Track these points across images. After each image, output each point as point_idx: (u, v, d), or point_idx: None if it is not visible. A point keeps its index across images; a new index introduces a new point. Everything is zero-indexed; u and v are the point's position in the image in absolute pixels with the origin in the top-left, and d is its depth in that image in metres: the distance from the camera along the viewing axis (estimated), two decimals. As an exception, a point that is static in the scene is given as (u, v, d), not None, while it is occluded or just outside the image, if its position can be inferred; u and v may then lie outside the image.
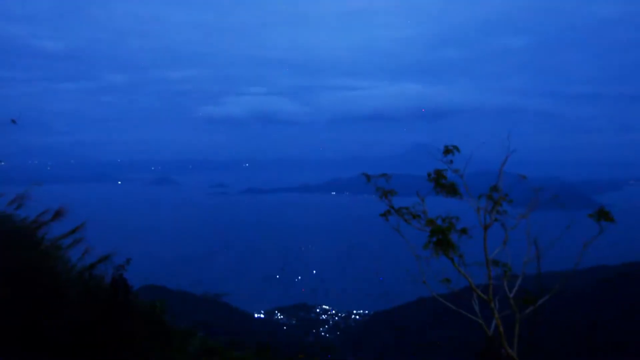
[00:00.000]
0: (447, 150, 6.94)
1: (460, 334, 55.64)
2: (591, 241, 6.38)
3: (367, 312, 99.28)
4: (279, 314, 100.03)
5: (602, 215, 6.31)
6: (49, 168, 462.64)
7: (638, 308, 59.96)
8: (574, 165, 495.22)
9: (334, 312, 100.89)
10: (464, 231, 6.53)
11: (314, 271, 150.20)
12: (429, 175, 6.89)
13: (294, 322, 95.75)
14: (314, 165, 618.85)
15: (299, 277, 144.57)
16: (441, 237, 6.30)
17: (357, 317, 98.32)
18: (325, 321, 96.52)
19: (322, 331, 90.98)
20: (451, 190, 6.81)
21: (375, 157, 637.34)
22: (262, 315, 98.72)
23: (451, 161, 6.94)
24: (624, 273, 73.85)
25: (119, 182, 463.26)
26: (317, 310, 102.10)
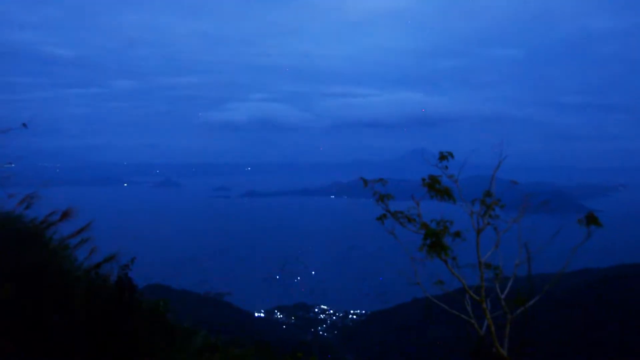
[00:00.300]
0: (442, 157, 6.95)
1: (453, 334, 55.61)
2: (580, 245, 6.39)
3: (364, 312, 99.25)
4: (278, 313, 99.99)
5: (591, 220, 6.32)
6: (57, 170, 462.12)
7: (625, 309, 59.97)
8: (563, 171, 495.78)
9: (331, 311, 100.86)
10: (457, 234, 6.55)
11: (313, 272, 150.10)
12: (423, 180, 6.89)
13: (293, 321, 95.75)
14: (313, 169, 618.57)
15: (298, 278, 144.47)
16: (435, 240, 6.31)
17: (354, 316, 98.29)
18: (323, 320, 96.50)
19: (320, 330, 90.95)
20: (445, 194, 6.81)
21: (373, 162, 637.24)
22: (262, 314, 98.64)
23: (446, 167, 6.95)
24: (612, 275, 73.92)
25: (125, 185, 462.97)
26: (316, 309, 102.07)
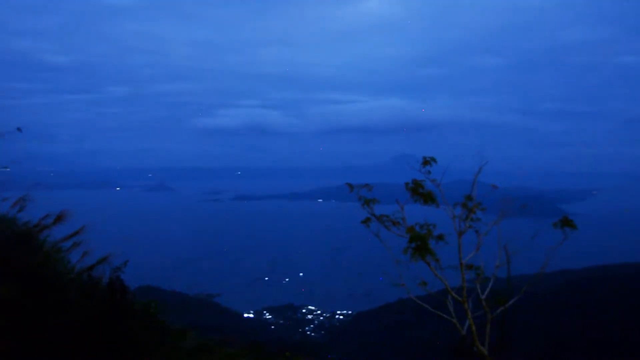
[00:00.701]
0: (425, 162, 6.99)
1: (437, 333, 55.72)
2: (556, 247, 6.45)
3: (350, 312, 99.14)
4: (267, 313, 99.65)
5: (566, 223, 6.40)
6: (51, 175, 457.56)
7: (601, 309, 60.49)
8: (543, 176, 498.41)
9: (319, 312, 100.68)
10: (440, 237, 6.59)
11: (301, 273, 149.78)
12: (406, 185, 6.93)
13: (281, 321, 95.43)
14: (303, 174, 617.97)
15: (287, 279, 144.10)
16: (420, 244, 6.34)
17: (341, 317, 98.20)
18: (311, 321, 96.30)
19: (308, 330, 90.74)
20: (428, 198, 6.85)
21: (360, 166, 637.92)
22: (251, 315, 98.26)
23: (429, 172, 6.99)
24: (589, 276, 74.60)
25: (118, 189, 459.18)
26: (303, 310, 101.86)
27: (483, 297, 6.59)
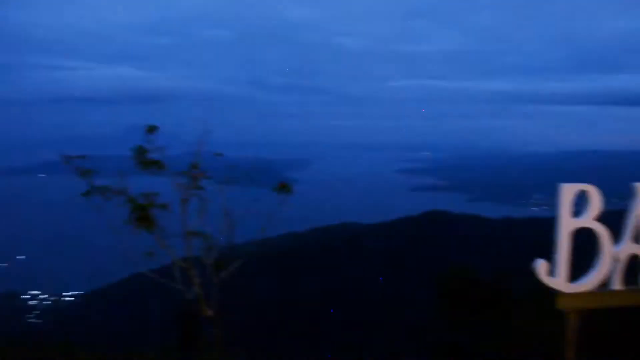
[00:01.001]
0: (149, 129, 6.87)
1: (167, 303, 55.73)
2: (276, 212, 6.96)
3: (80, 292, 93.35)
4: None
5: (283, 188, 6.96)
6: None
7: (324, 265, 67.41)
8: (271, 146, 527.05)
9: (45, 296, 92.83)
10: (163, 206, 6.59)
11: (23, 256, 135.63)
12: (131, 151, 6.78)
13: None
14: (18, 146, 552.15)
15: (5, 264, 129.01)
16: (141, 213, 6.28)
17: (71, 298, 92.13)
18: (35, 307, 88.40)
19: (32, 318, 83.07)
20: (154, 167, 6.78)
21: (91, 137, 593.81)
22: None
23: (153, 140, 6.89)
24: (312, 237, 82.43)
25: None
26: (25, 296, 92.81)
27: (209, 263, 6.80)
